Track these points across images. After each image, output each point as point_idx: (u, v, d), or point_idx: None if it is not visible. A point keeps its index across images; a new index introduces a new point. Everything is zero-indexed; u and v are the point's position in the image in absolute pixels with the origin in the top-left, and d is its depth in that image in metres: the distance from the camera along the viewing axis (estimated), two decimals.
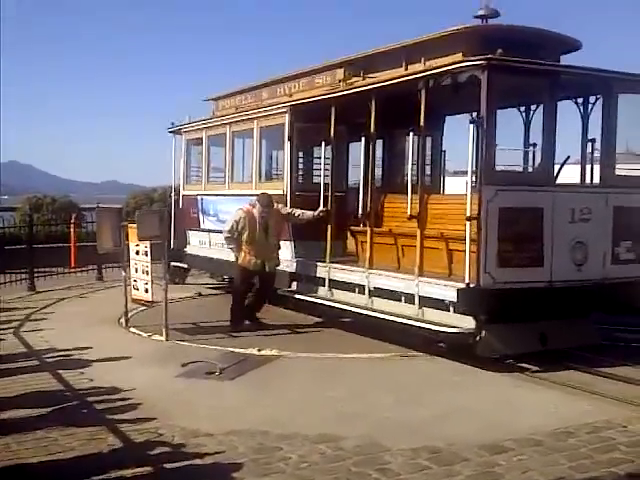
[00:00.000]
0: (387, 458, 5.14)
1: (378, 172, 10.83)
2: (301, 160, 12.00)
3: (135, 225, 9.42)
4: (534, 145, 9.93)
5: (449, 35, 8.91)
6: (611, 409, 6.42)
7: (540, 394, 7.01)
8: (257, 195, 10.82)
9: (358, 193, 10.54)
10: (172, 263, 15.47)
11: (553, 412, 6.29)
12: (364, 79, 10.39)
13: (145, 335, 9.62)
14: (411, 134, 8.91)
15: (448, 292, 8.23)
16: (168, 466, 5.03)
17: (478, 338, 8.03)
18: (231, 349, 8.78)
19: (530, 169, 9.25)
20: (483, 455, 5.20)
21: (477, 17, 9.13)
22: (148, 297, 9.76)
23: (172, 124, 15.40)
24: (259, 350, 8.72)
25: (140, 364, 8.01)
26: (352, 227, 10.64)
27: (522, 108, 9.99)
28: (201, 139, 14.13)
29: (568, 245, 8.33)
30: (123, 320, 10.35)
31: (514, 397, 6.88)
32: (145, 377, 7.35)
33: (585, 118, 9.26)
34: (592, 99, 9.14)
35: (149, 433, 5.65)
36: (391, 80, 9.16)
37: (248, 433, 5.64)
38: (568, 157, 9.15)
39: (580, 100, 9.21)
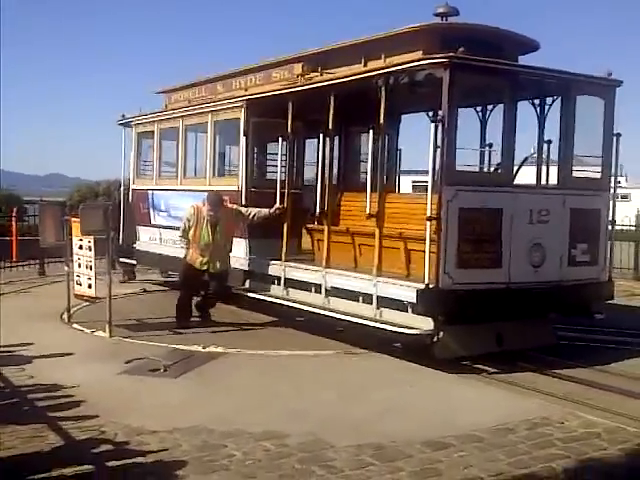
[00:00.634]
0: (331, 455, 5.16)
1: (334, 170, 10.61)
2: (257, 156, 11.75)
3: (78, 219, 9.25)
4: (490, 145, 9.95)
5: (408, 32, 8.80)
6: (550, 406, 6.56)
7: (482, 391, 7.11)
8: (208, 192, 10.57)
9: (314, 190, 10.41)
10: (121, 259, 15.26)
11: (493, 409, 6.37)
12: (322, 75, 10.22)
13: (88, 331, 9.45)
14: (370, 132, 8.74)
15: (407, 293, 8.14)
16: (110, 464, 4.96)
17: (435, 339, 7.97)
18: (176, 346, 8.66)
19: (488, 169, 9.18)
20: (425, 451, 5.25)
21: (437, 15, 9.01)
22: (91, 292, 9.59)
23: (122, 116, 15.00)
24: (204, 347, 8.64)
25: (83, 361, 7.84)
26: (309, 225, 10.48)
27: (479, 108, 9.96)
28: (152, 132, 13.77)
29: (526, 247, 8.32)
30: (66, 316, 10.14)
31: (457, 394, 6.92)
32: (88, 374, 7.20)
33: (542, 119, 9.26)
34: (549, 100, 9.16)
35: (91, 431, 5.55)
36: (350, 76, 9.03)
37: (192, 430, 5.58)
38: (526, 158, 9.15)
39: (537, 101, 9.21)
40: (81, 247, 9.62)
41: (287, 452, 5.20)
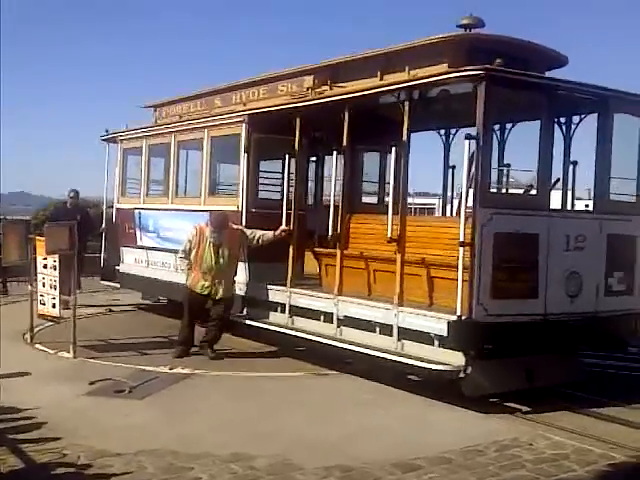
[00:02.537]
0: (299, 477, 5.11)
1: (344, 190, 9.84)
2: (258, 174, 10.99)
3: (43, 238, 9.14)
4: (508, 165, 9.37)
5: (433, 44, 8.21)
6: (519, 428, 6.60)
7: (451, 413, 7.01)
8: (209, 212, 9.83)
9: (318, 211, 9.67)
10: (102, 282, 14.43)
11: (463, 430, 6.33)
12: (331, 89, 9.58)
13: (51, 352, 9.18)
14: (393, 149, 8.07)
15: (435, 324, 7.48)
16: None
17: (463, 375, 7.28)
18: (142, 367, 8.43)
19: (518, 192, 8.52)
20: (394, 473, 5.20)
21: (460, 26, 8.42)
22: (55, 312, 9.28)
23: (106, 131, 14.25)
24: (171, 368, 8.46)
25: (45, 382, 7.60)
26: (316, 249, 9.77)
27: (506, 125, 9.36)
28: (141, 148, 12.98)
29: (563, 275, 7.69)
30: (28, 336, 9.86)
31: (426, 416, 6.88)
32: (50, 395, 6.99)
33: (568, 139, 8.69)
34: (575, 119, 8.62)
35: (53, 453, 5.42)
36: (371, 89, 8.36)
37: (158, 453, 5.48)
38: (558, 180, 8.55)
39: (563, 119, 8.63)
40: (45, 266, 9.32)
41: (254, 475, 5.12)
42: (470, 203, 7.37)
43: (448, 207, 11.05)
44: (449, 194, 11.06)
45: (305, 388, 7.88)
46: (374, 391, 7.67)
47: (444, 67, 7.95)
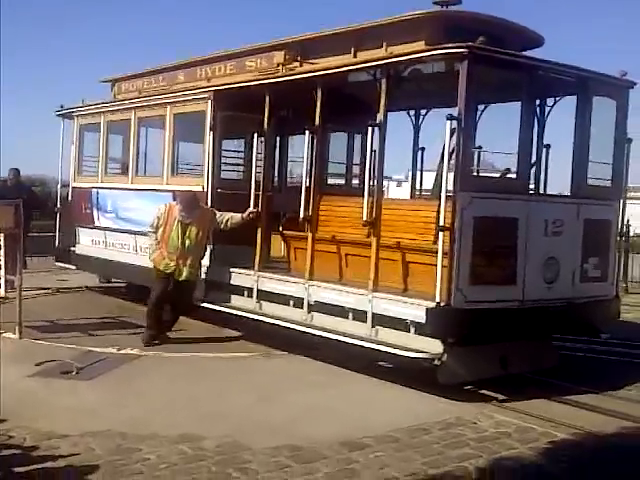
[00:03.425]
0: (248, 457, 5.12)
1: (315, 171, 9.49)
2: (223, 153, 10.61)
3: None
4: (479, 147, 9.17)
5: (409, 20, 7.92)
6: (463, 407, 6.67)
7: (398, 392, 7.07)
8: (174, 192, 9.43)
9: (283, 192, 9.30)
10: (57, 263, 13.92)
11: (410, 410, 6.43)
12: (301, 65, 9.25)
13: None
14: (370, 129, 7.76)
15: (412, 311, 7.25)
16: (18, 470, 4.80)
17: (439, 363, 7.10)
18: (89, 348, 8.33)
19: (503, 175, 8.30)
20: (342, 452, 5.28)
21: (436, 3, 8.14)
22: (0, 292, 9.18)
23: (61, 107, 13.65)
24: (119, 349, 8.35)
25: None
26: (285, 231, 9.47)
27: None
28: (98, 125, 12.44)
29: (541, 260, 7.53)
30: None
31: (374, 396, 6.94)
32: None
33: (542, 121, 8.52)
34: (550, 101, 8.45)
35: None
36: (348, 66, 8.04)
37: (105, 434, 5.46)
38: (533, 164, 8.38)
39: (537, 102, 8.45)
40: None
41: (203, 455, 5.13)
42: (450, 186, 7.12)
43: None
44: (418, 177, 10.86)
45: (256, 369, 7.87)
46: (324, 372, 7.70)
47: (421, 44, 7.68)
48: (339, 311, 8.17)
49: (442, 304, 6.94)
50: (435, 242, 7.89)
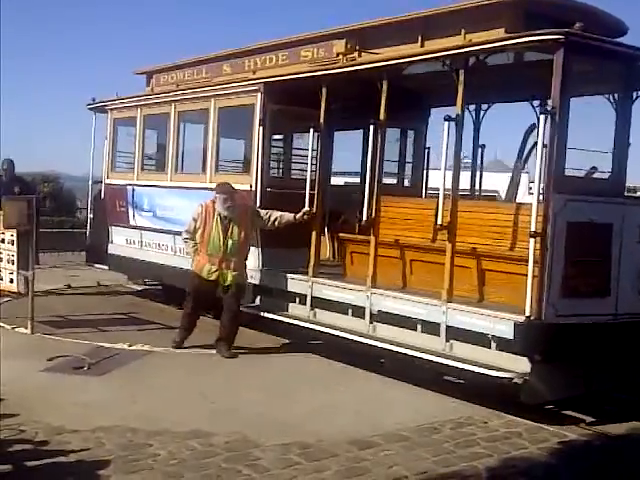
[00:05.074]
0: (257, 454, 5.12)
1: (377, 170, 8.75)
2: (274, 150, 9.97)
3: (0, 212, 8.91)
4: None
5: (488, 6, 7.26)
6: (474, 407, 6.55)
7: (409, 391, 7.00)
8: (215, 187, 8.81)
9: (339, 192, 8.94)
10: (88, 264, 13.36)
11: (420, 408, 6.40)
12: (360, 55, 8.59)
13: (9, 327, 8.95)
14: (446, 124, 7.08)
15: (498, 325, 6.57)
16: (29, 464, 4.83)
17: (520, 381, 6.43)
18: (101, 344, 8.26)
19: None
20: (352, 450, 5.27)
21: None
22: (13, 287, 9.05)
23: (93, 100, 13.04)
24: (130, 345, 8.26)
25: (2, 358, 7.06)
26: (341, 234, 8.84)
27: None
28: (135, 119, 11.80)
29: (634, 270, 6.83)
30: None
31: (384, 395, 6.89)
32: (8, 371, 6.54)
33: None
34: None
35: (10, 430, 5.35)
36: (419, 55, 7.36)
37: (116, 430, 5.46)
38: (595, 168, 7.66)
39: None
40: (3, 241, 9.00)
41: (213, 451, 5.14)
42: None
43: None
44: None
45: (266, 366, 7.80)
46: (333, 370, 7.68)
47: (500, 32, 7.03)
48: (403, 322, 7.55)
49: (532, 318, 6.26)
50: (511, 249, 7.32)
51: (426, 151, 10.70)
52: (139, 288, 13.24)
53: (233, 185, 8.66)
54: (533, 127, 8.20)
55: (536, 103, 8.26)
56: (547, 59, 7.05)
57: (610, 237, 6.62)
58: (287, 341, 8.81)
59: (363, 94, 9.18)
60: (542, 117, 6.23)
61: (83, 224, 15.09)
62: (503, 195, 15.07)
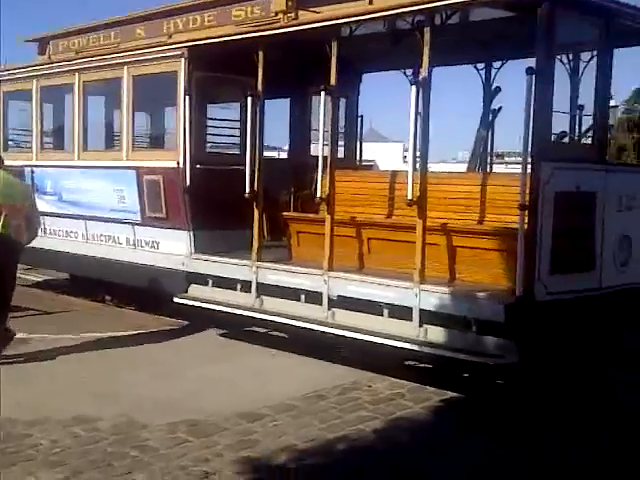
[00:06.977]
0: (145, 435, 5.06)
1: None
2: (204, 122, 8.99)
3: None
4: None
5: None
6: (358, 371, 6.66)
7: (295, 361, 7.08)
8: (139, 169, 7.79)
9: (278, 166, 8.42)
10: None
11: (306, 377, 6.50)
12: (297, 16, 7.78)
13: None
14: (413, 87, 6.38)
15: (480, 307, 6.01)
16: None
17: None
18: None
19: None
20: (240, 423, 5.29)
21: None
22: None
23: None
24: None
25: None
26: (286, 213, 8.09)
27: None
28: (30, 92, 10.51)
29: (615, 241, 6.46)
30: None
31: (270, 366, 6.95)
32: None
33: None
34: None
35: None
36: (385, 11, 6.60)
37: None
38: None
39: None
40: None
41: (99, 436, 5.03)
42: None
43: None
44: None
45: (150, 345, 7.65)
46: (219, 345, 7.73)
47: None
48: (366, 306, 6.88)
49: (523, 297, 5.76)
50: (480, 222, 6.81)
51: (359, 119, 10.02)
52: (39, 279, 12.18)
53: (154, 162, 7.70)
54: (497, 90, 7.70)
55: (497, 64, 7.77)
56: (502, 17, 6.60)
57: (594, 207, 6.20)
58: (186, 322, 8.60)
59: (294, 59, 8.48)
60: (527, 78, 5.62)
61: None
62: (380, 165, 14.73)
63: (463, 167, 10.29)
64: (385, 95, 38.76)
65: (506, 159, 31.88)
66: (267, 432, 5.14)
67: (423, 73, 6.37)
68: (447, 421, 5.57)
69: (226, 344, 7.78)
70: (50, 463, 4.58)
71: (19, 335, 7.45)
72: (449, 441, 5.17)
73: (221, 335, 8.02)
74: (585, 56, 6.55)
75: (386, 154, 39.95)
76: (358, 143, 10.09)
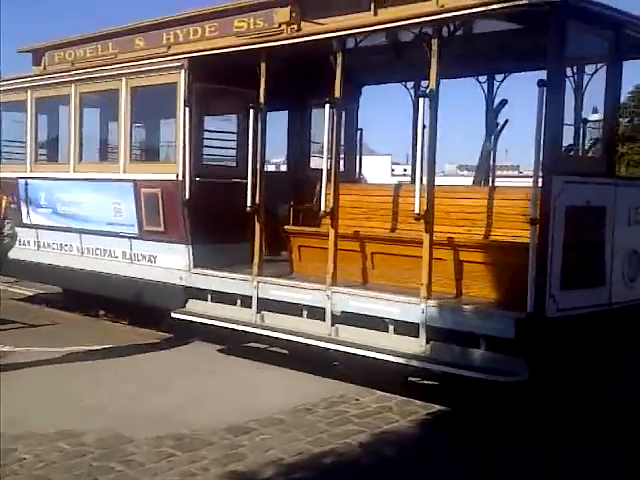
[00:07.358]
0: (131, 449, 5.01)
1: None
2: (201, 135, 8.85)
3: None
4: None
5: None
6: (345, 385, 6.65)
7: (282, 375, 7.05)
8: (137, 182, 7.64)
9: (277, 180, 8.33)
10: None
11: (294, 390, 6.47)
12: (300, 27, 7.68)
13: None
14: (421, 100, 6.30)
15: (490, 324, 5.89)
16: None
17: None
18: None
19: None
20: (227, 437, 5.27)
21: None
22: None
23: None
24: None
25: None
26: (288, 227, 7.98)
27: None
28: (24, 103, 10.38)
29: (625, 255, 6.37)
30: None
31: (258, 379, 6.92)
32: None
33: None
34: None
35: None
36: (393, 22, 6.52)
37: None
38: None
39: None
40: None
41: (84, 450, 4.98)
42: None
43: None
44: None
45: (137, 358, 7.63)
46: (207, 358, 7.69)
47: None
48: (369, 322, 6.75)
49: (533, 314, 5.64)
50: (486, 236, 6.72)
51: (358, 133, 9.92)
52: (30, 293, 11.93)
53: (152, 175, 7.58)
54: (504, 103, 7.62)
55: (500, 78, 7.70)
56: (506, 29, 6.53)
57: (604, 221, 6.11)
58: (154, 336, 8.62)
59: (293, 71, 8.40)
60: (538, 90, 5.53)
61: None
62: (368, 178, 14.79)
63: (452, 180, 10.29)
64: (373, 108, 38.68)
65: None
66: (254, 446, 5.11)
67: (431, 85, 6.27)
68: (434, 435, 5.55)
69: (210, 357, 7.73)
70: (34, 478, 4.54)
71: (3, 348, 7.49)
72: (435, 455, 5.14)
73: (219, 351, 7.92)
74: (593, 68, 6.43)
75: (374, 167, 39.97)
76: (358, 156, 9.97)
